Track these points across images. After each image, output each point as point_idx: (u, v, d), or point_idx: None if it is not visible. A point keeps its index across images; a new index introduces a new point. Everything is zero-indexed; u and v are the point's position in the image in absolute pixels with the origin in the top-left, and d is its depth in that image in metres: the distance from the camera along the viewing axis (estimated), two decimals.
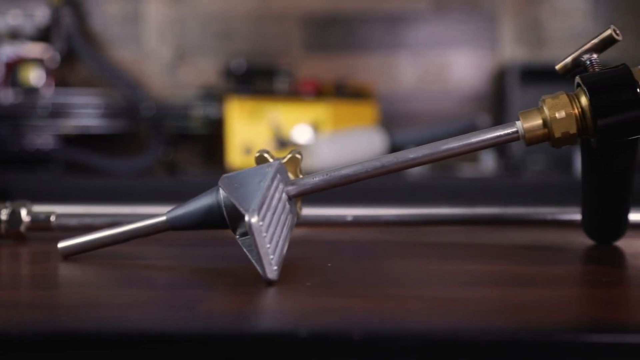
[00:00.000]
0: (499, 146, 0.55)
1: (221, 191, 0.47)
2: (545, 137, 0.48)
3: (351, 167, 0.49)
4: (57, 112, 1.71)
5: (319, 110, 1.67)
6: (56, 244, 0.51)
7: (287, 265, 0.46)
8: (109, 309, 0.39)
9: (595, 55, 0.48)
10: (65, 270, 0.49)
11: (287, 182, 0.49)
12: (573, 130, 0.47)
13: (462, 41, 1.84)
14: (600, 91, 0.46)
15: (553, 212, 0.61)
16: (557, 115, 0.47)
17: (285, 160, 0.51)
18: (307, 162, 1.51)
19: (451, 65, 1.85)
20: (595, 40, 0.48)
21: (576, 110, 0.47)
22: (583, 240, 0.56)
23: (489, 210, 0.61)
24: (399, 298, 0.41)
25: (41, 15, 1.74)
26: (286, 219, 0.47)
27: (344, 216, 0.63)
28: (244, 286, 0.43)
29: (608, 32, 0.48)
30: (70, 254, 0.51)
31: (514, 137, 0.48)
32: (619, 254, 0.54)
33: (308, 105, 1.69)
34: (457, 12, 1.85)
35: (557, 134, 0.47)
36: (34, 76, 1.73)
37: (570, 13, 1.83)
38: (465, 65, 1.85)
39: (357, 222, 0.63)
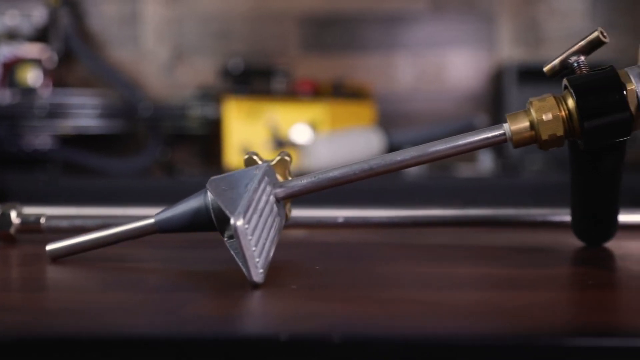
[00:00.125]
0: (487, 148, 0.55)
1: (209, 194, 0.47)
2: (533, 140, 0.47)
3: (339, 170, 0.49)
4: (55, 112, 1.71)
5: (317, 110, 1.67)
6: (45, 247, 0.51)
7: (274, 267, 0.46)
8: (95, 313, 0.39)
9: (582, 57, 0.48)
10: (53, 273, 0.49)
11: (275, 184, 0.49)
12: (560, 132, 0.47)
13: (459, 41, 1.84)
14: (587, 93, 0.46)
15: (544, 213, 0.60)
16: (544, 117, 0.47)
17: (274, 162, 0.51)
18: (305, 162, 1.51)
19: (449, 65, 1.85)
20: (582, 43, 0.48)
21: (563, 113, 0.47)
22: (573, 241, 0.56)
23: (480, 211, 0.61)
24: (385, 301, 0.41)
25: (39, 15, 1.74)
26: (273, 221, 0.47)
27: (335, 218, 0.63)
28: (230, 289, 0.43)
29: (595, 34, 0.48)
30: (59, 257, 0.51)
31: (502, 140, 0.48)
32: (608, 256, 0.54)
33: (306, 105, 1.69)
34: (455, 13, 1.85)
35: (544, 137, 0.47)
36: (32, 76, 1.73)
37: (568, 13, 1.83)
38: (463, 66, 1.85)
39: (349, 224, 0.63)
